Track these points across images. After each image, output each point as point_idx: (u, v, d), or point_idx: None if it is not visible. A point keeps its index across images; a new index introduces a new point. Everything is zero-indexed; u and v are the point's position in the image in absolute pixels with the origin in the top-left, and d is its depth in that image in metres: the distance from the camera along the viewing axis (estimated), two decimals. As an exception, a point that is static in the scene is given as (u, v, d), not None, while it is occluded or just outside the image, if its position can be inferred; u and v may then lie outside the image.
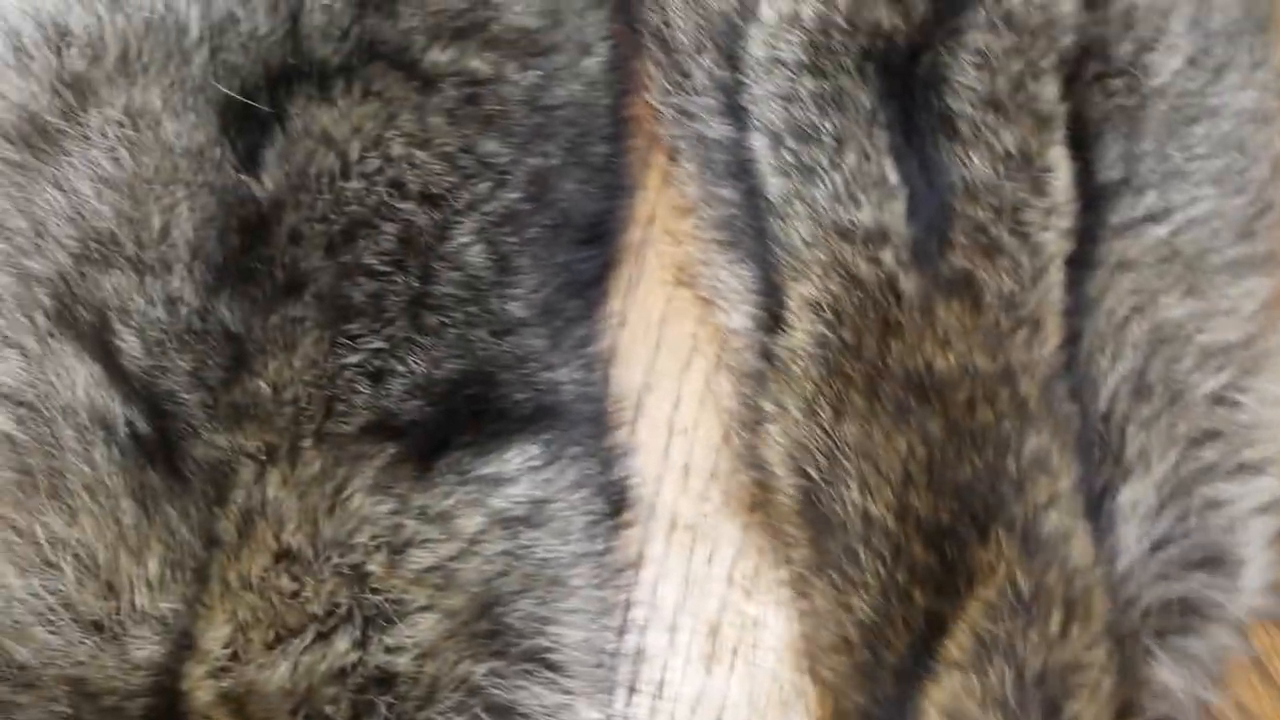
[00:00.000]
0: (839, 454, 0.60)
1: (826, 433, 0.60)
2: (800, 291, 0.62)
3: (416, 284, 0.59)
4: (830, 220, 0.62)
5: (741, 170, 0.66)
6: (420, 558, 0.56)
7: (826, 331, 0.61)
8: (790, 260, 0.63)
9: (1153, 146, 0.63)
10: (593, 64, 0.68)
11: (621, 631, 0.65)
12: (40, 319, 0.57)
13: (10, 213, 0.59)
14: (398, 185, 0.59)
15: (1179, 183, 0.63)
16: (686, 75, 0.69)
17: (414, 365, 0.58)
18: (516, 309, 0.62)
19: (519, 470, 0.59)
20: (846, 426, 0.60)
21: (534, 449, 0.60)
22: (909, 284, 0.60)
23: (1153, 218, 0.62)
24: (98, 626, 0.54)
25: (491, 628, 0.57)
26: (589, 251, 0.67)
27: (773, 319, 0.64)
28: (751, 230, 0.65)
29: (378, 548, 0.55)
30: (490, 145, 0.62)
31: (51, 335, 0.57)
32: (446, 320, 0.59)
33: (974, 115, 0.62)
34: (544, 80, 0.65)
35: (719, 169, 0.67)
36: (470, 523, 0.57)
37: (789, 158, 0.63)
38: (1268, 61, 0.68)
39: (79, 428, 0.56)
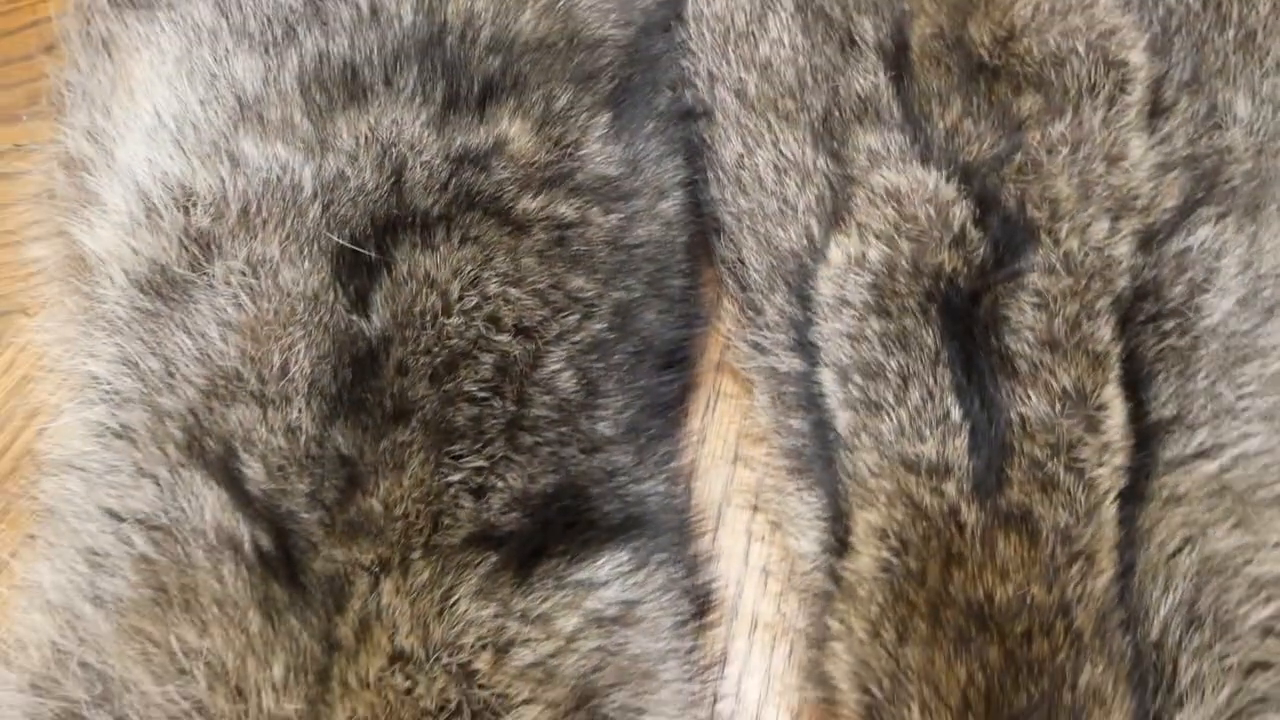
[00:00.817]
0: (901, 676, 0.61)
1: (890, 654, 0.62)
2: (867, 519, 0.65)
3: (513, 408, 0.64)
4: (896, 453, 0.65)
5: (811, 403, 0.69)
6: (522, 655, 0.60)
7: (892, 558, 0.63)
8: (857, 489, 0.65)
9: (1204, 385, 0.65)
10: (669, 206, 0.74)
11: (711, 722, 0.68)
12: (172, 450, 0.63)
13: (144, 355, 0.65)
14: (494, 320, 0.65)
15: (1230, 420, 0.65)
16: (759, 311, 0.73)
17: (512, 481, 0.63)
18: (604, 428, 0.67)
19: (610, 575, 0.63)
20: (909, 650, 0.61)
21: (623, 556, 0.64)
22: (970, 516, 0.63)
23: (1204, 454, 0.64)
24: (228, 728, 0.58)
25: (590, 718, 0.60)
26: (669, 375, 0.72)
27: (840, 543, 0.66)
28: (820, 459, 0.68)
29: (483, 647, 0.59)
30: (577, 281, 0.68)
31: (182, 465, 0.63)
32: (540, 440, 0.64)
33: (1032, 355, 0.65)
34: (625, 222, 0.71)
35: (790, 401, 0.71)
36: (568, 623, 0.61)
37: (856, 393, 0.67)
38: None
39: (208, 548, 0.61)
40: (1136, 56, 0.72)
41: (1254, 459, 0.65)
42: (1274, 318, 0.68)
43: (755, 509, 0.73)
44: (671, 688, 0.64)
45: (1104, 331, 0.65)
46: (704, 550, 0.71)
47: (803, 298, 0.70)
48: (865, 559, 0.64)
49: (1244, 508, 0.63)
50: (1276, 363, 0.67)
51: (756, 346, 0.73)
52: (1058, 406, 0.64)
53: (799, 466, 0.70)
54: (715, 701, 0.68)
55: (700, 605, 0.68)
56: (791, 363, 0.71)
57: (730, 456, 0.75)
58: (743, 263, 0.74)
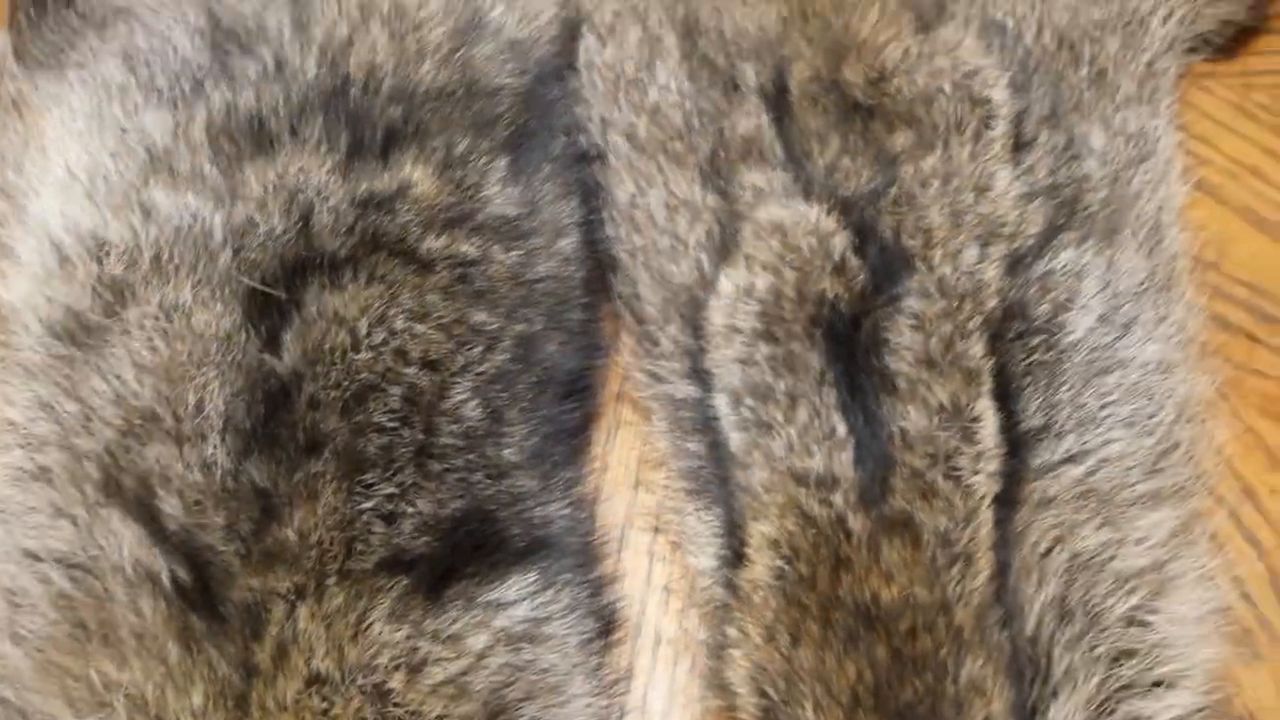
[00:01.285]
0: (795, 677, 0.64)
1: (784, 657, 0.65)
2: (760, 530, 0.67)
3: (421, 437, 0.67)
4: (786, 468, 0.68)
5: (706, 426, 0.72)
6: (434, 674, 0.62)
7: (784, 565, 0.66)
8: (751, 503, 0.68)
9: (1069, 396, 0.69)
10: (567, 244, 0.78)
11: (618, 734, 0.71)
12: (89, 490, 0.65)
13: (60, 399, 0.67)
14: (401, 354, 0.68)
15: (1094, 427, 0.69)
16: (655, 342, 0.76)
17: (422, 507, 0.65)
18: (510, 455, 0.70)
19: (518, 595, 0.66)
20: (802, 651, 0.64)
21: (531, 576, 0.67)
22: (857, 524, 0.66)
23: (1071, 459, 0.68)
24: (151, 757, 0.60)
25: None
26: (571, 404, 0.75)
27: (736, 556, 0.68)
28: (716, 479, 0.72)
29: (397, 667, 0.62)
30: (480, 316, 0.71)
31: (100, 504, 0.65)
32: (448, 467, 0.67)
33: (910, 373, 0.68)
34: (525, 259, 0.74)
35: (686, 425, 0.74)
36: (477, 641, 0.64)
37: (748, 414, 0.70)
38: (1170, 317, 0.75)
39: (126, 582, 0.63)
40: (999, 94, 0.77)
41: (1116, 462, 0.69)
42: (1131, 332, 0.73)
43: (656, 530, 0.76)
44: (579, 702, 0.67)
45: (976, 349, 0.69)
46: (608, 571, 0.74)
47: (695, 328, 0.74)
48: (760, 568, 0.67)
49: (1108, 508, 0.68)
50: (1134, 373, 0.72)
51: (653, 375, 0.76)
52: (935, 420, 0.68)
53: (696, 487, 0.73)
54: (622, 715, 0.71)
55: (606, 623, 0.71)
56: (687, 389, 0.74)
57: (631, 481, 0.78)
58: (638, 297, 0.77)
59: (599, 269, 0.80)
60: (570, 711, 0.66)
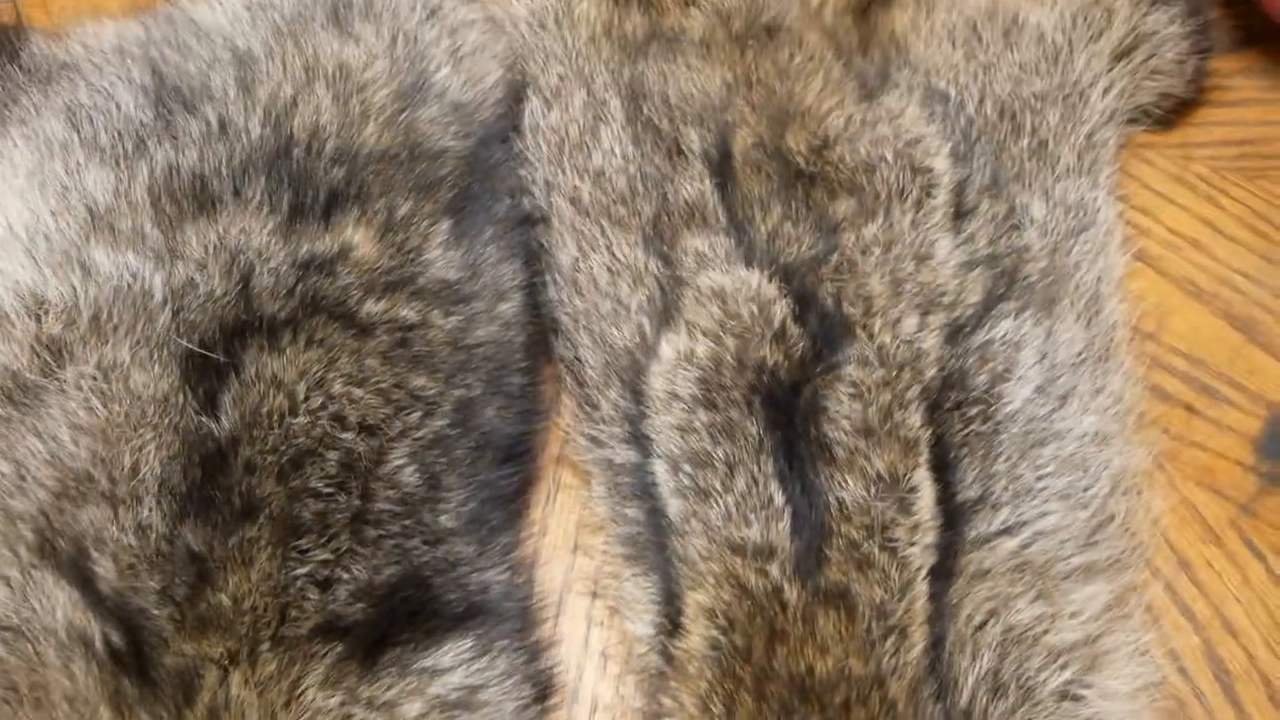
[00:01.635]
0: None
1: None
2: (697, 599, 0.67)
3: (358, 502, 0.67)
4: (723, 537, 0.68)
5: (645, 492, 0.72)
6: (368, 745, 0.62)
7: (720, 635, 0.66)
8: (688, 572, 0.68)
9: (1005, 467, 0.70)
10: (508, 308, 0.78)
11: (553, 806, 0.71)
12: (23, 552, 0.64)
13: (-5, 459, 0.67)
14: (339, 419, 0.68)
15: (1029, 499, 0.70)
16: (595, 406, 0.76)
17: (357, 573, 0.65)
18: (446, 520, 0.70)
19: (453, 661, 0.66)
20: None
21: (466, 643, 0.67)
22: (792, 594, 0.66)
23: (1006, 531, 0.69)
24: (78, 825, 0.60)
25: None
26: (510, 469, 0.75)
27: (672, 624, 0.69)
28: (654, 545, 0.71)
29: (332, 738, 0.62)
30: (419, 380, 0.71)
31: (34, 566, 0.64)
32: (384, 533, 0.67)
33: (848, 442, 0.69)
34: (465, 323, 0.74)
35: (625, 490, 0.74)
36: (411, 708, 0.64)
37: (686, 481, 0.70)
38: (1108, 388, 0.76)
39: (59, 646, 0.62)
40: (940, 163, 0.78)
41: (1051, 535, 0.69)
42: (1068, 404, 0.73)
43: (595, 595, 0.76)
44: None
45: (914, 419, 0.70)
46: (545, 636, 0.74)
47: (636, 392, 0.74)
48: (695, 638, 0.67)
49: (1042, 581, 0.68)
50: (1071, 445, 0.72)
51: (593, 440, 0.76)
52: (872, 490, 0.68)
53: (634, 553, 0.73)
54: (560, 783, 0.71)
55: (542, 689, 0.71)
56: (626, 454, 0.74)
57: (570, 545, 0.78)
58: (580, 360, 0.78)
59: (540, 332, 0.80)
60: None
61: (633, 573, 0.73)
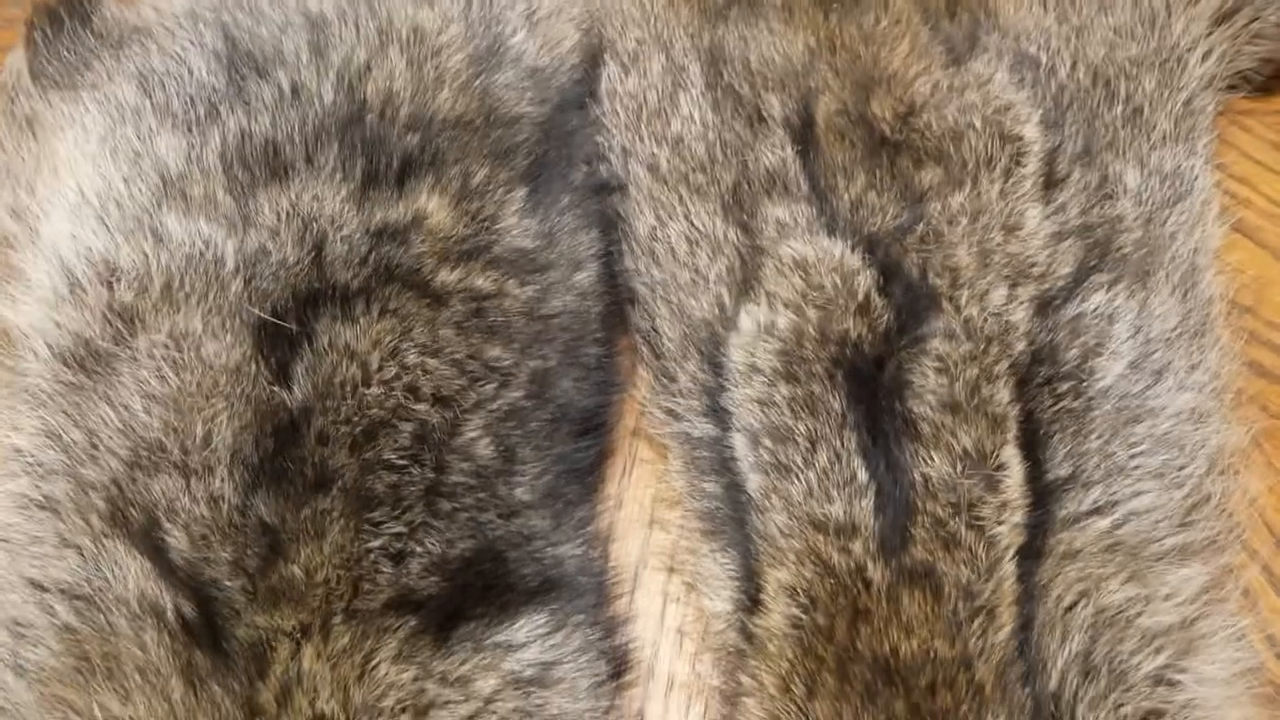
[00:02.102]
0: None
1: (799, 709, 0.63)
2: (777, 577, 0.66)
3: (431, 475, 0.65)
4: (805, 514, 0.66)
5: (723, 467, 0.71)
6: (441, 717, 0.61)
7: (801, 614, 0.65)
8: (768, 549, 0.67)
9: (1098, 445, 0.68)
10: (584, 278, 0.76)
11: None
12: (95, 521, 0.64)
13: (68, 427, 0.66)
14: (413, 390, 0.66)
15: (1122, 479, 0.67)
16: (673, 379, 0.75)
17: (430, 546, 0.64)
18: (522, 494, 0.68)
19: (528, 637, 0.65)
20: (818, 704, 0.62)
21: (541, 618, 0.66)
22: (876, 573, 0.64)
23: (1098, 511, 0.66)
24: (151, 795, 0.59)
25: None
26: (586, 442, 0.74)
27: (751, 601, 0.67)
28: (733, 521, 0.70)
29: (403, 710, 0.60)
30: (494, 351, 0.69)
31: (105, 535, 0.64)
32: (458, 506, 0.66)
33: (934, 417, 0.67)
34: (541, 293, 0.73)
35: (703, 465, 0.72)
36: (486, 684, 0.62)
37: (766, 456, 0.68)
38: (1204, 364, 0.73)
39: (131, 616, 0.62)
40: (1030, 131, 0.76)
41: (1145, 515, 0.67)
42: (1163, 380, 0.71)
43: (671, 571, 0.75)
44: None
45: (1002, 394, 0.68)
46: (621, 612, 0.72)
47: (715, 365, 0.72)
48: (776, 616, 0.65)
49: (1135, 562, 0.66)
50: (1166, 423, 0.70)
51: (670, 413, 0.75)
52: (959, 467, 0.66)
53: (712, 529, 0.71)
54: (635, 759, 0.70)
55: (617, 666, 0.70)
56: (704, 428, 0.72)
57: (646, 520, 0.76)
58: (657, 331, 0.76)
59: (617, 303, 0.79)
60: None
61: (710, 548, 0.71)
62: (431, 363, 0.67)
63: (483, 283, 0.70)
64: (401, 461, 0.65)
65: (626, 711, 0.70)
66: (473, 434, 0.67)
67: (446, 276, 0.70)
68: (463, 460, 0.67)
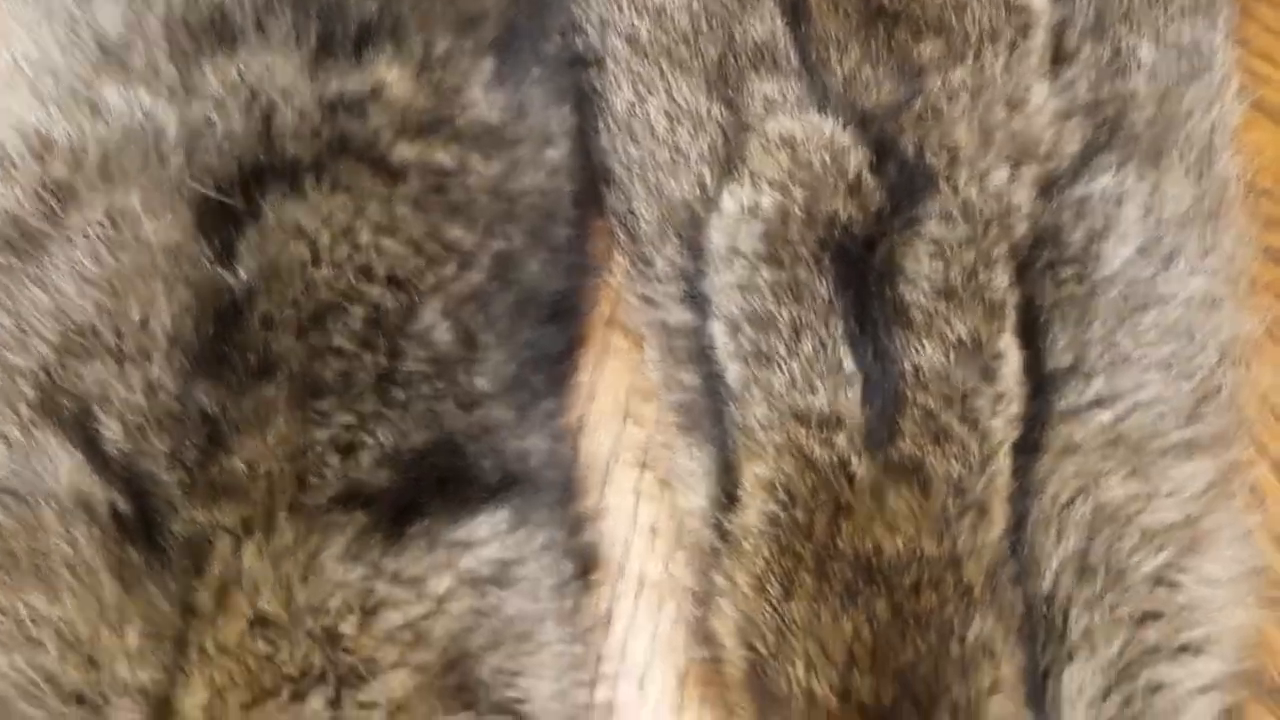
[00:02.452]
0: (786, 631, 0.59)
1: (775, 609, 0.60)
2: (755, 471, 0.62)
3: (384, 361, 0.61)
4: (786, 405, 0.62)
5: (701, 356, 0.67)
6: (391, 618, 0.57)
7: (779, 511, 0.61)
8: (746, 442, 0.63)
9: (1101, 334, 0.64)
10: (555, 155, 0.71)
11: (593, 684, 0.66)
12: (24, 410, 0.60)
13: (-5, 311, 0.62)
14: (365, 270, 0.62)
15: (1126, 369, 0.63)
16: (649, 263, 0.70)
17: (382, 438, 0.60)
18: (483, 383, 0.64)
19: (488, 535, 0.61)
20: (795, 605, 0.60)
21: (502, 514, 0.62)
22: (861, 468, 0.61)
23: (1099, 403, 0.63)
24: (80, 699, 0.55)
25: (461, 681, 0.58)
26: (554, 328, 0.69)
27: (727, 497, 0.64)
28: (710, 414, 0.66)
29: (350, 610, 0.57)
30: (455, 231, 0.65)
31: (34, 424, 0.59)
32: (413, 395, 0.61)
33: (927, 304, 0.63)
34: (508, 169, 0.68)
35: (680, 354, 0.68)
36: (440, 584, 0.58)
37: (747, 345, 0.64)
38: (1218, 248, 0.69)
39: (61, 511, 0.58)
40: (1038, 1, 0.70)
41: (1149, 408, 0.63)
42: (1173, 265, 0.67)
43: (644, 466, 0.71)
44: (551, 650, 0.62)
45: (1001, 279, 0.64)
46: (590, 509, 0.68)
47: (694, 249, 0.68)
48: (752, 512, 0.62)
49: (1138, 457, 0.62)
50: (1175, 311, 0.66)
51: (647, 300, 0.71)
52: (953, 356, 0.62)
53: (689, 422, 0.68)
54: (599, 663, 0.66)
55: (584, 564, 0.66)
56: (682, 316, 0.68)
57: (620, 412, 0.72)
58: (633, 213, 0.72)
59: (591, 183, 0.74)
60: (541, 660, 0.61)
61: (687, 442, 0.67)
62: (386, 242, 0.63)
63: (444, 158, 0.66)
64: (352, 347, 0.61)
65: (594, 613, 0.67)
66: (430, 318, 0.63)
67: (405, 151, 0.65)
68: (419, 346, 0.62)
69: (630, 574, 0.69)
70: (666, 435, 0.69)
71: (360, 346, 0.61)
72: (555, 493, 0.66)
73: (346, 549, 0.58)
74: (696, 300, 0.68)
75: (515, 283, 0.67)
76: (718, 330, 0.66)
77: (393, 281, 0.62)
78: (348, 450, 0.59)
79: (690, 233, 0.68)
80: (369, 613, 0.57)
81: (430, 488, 0.60)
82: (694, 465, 0.66)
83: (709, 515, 0.65)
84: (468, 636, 0.59)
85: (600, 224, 0.75)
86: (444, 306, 0.63)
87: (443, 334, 0.63)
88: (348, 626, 0.57)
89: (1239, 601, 0.62)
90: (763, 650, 0.60)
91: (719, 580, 0.62)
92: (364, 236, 0.62)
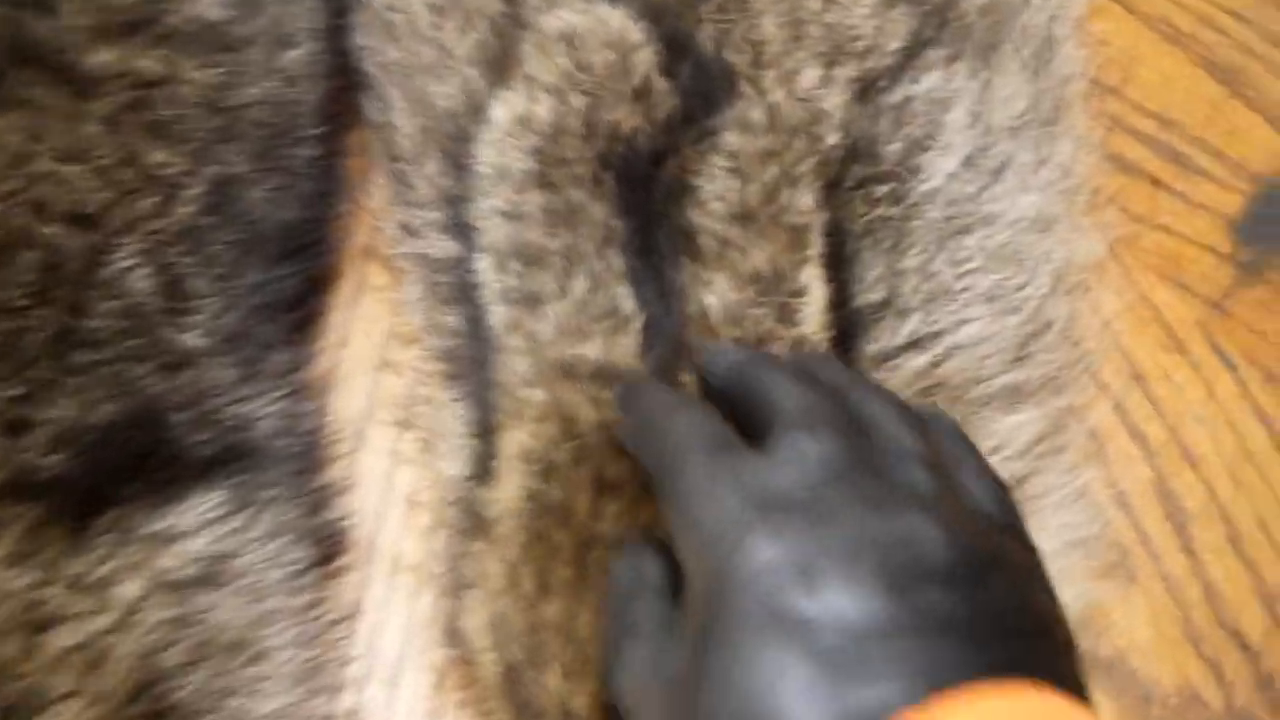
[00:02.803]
0: (542, 634, 0.51)
1: (529, 608, 0.51)
2: (513, 438, 0.53)
3: (64, 318, 0.51)
4: (553, 355, 0.54)
5: (466, 295, 0.58)
6: (64, 636, 0.48)
7: (537, 486, 0.52)
8: (507, 401, 0.54)
9: (918, 263, 0.57)
10: (294, 58, 0.60)
11: (334, 691, 0.57)
12: None
13: None
14: (40, 206, 0.51)
15: (946, 303, 0.57)
16: (409, 185, 0.61)
17: (60, 412, 0.50)
18: (193, 339, 0.54)
19: (195, 524, 0.52)
20: (550, 605, 0.51)
21: (215, 497, 0.53)
22: None
23: (915, 344, 0.56)
24: None
25: (153, 709, 0.49)
26: (289, 267, 0.59)
27: (484, 469, 0.55)
28: (474, 364, 0.57)
29: (14, 629, 0.47)
30: (158, 155, 0.54)
31: None
32: (101, 358, 0.51)
33: (720, 230, 0.55)
34: (228, 78, 0.57)
35: (443, 293, 0.59)
36: (129, 588, 0.49)
37: (514, 282, 0.55)
38: (1053, 158, 0.62)
39: None
40: None
41: (971, 349, 0.57)
42: (1001, 179, 0.59)
43: (403, 425, 0.61)
44: (277, 657, 0.53)
45: (806, 200, 0.56)
46: (335, 480, 0.59)
47: (459, 168, 0.58)
48: (508, 488, 0.53)
49: (958, 407, 0.55)
50: (1002, 233, 0.58)
51: (407, 228, 0.61)
52: (749, 292, 0.54)
53: (454, 372, 0.58)
54: (343, 665, 0.57)
55: (327, 549, 0.57)
56: (445, 247, 0.59)
57: (376, 361, 0.62)
58: (393, 125, 0.61)
59: (344, 89, 0.63)
60: (261, 671, 0.52)
61: (451, 397, 0.58)
62: (69, 170, 0.52)
63: (148, 64, 0.55)
64: (23, 302, 0.51)
65: (337, 604, 0.57)
66: (124, 263, 0.53)
67: (101, 57, 0.54)
68: (108, 298, 0.52)
69: (383, 554, 0.59)
70: (429, 388, 0.60)
71: (33, 301, 0.51)
72: (289, 465, 0.56)
73: (15, 550, 0.48)
74: (461, 229, 0.58)
75: (237, 216, 0.56)
76: (483, 265, 0.56)
77: (76, 219, 0.52)
78: (15, 428, 0.50)
79: (455, 148, 0.58)
80: (39, 629, 0.48)
81: (123, 470, 0.51)
82: (456, 425, 0.57)
83: (465, 488, 0.56)
84: (162, 654, 0.50)
85: (357, 138, 0.64)
86: (142, 248, 0.53)
87: (140, 281, 0.53)
88: (11, 648, 0.47)
89: (1069, 574, 0.56)
90: (517, 655, 0.51)
91: (468, 570, 0.53)
92: (41, 164, 0.52)
